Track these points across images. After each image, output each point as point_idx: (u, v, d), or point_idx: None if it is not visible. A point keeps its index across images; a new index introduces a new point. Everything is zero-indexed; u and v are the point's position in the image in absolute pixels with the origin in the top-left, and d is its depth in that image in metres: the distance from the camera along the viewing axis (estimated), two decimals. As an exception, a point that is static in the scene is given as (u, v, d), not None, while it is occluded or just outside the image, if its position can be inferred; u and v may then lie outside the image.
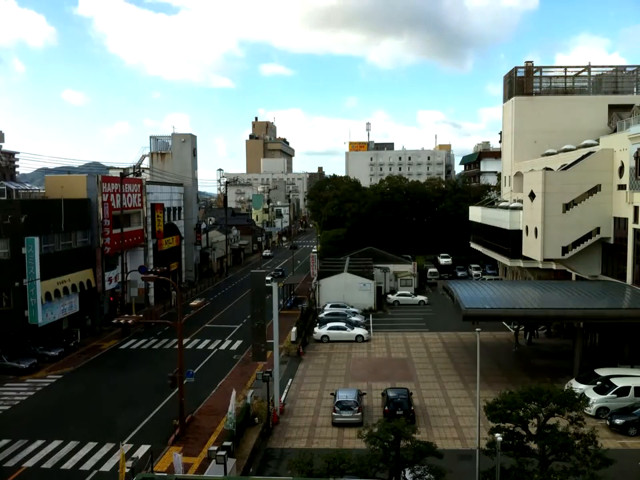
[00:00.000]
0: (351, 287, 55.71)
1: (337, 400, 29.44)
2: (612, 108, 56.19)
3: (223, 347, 44.49)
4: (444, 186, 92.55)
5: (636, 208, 36.86)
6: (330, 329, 45.66)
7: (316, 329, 46.24)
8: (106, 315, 49.88)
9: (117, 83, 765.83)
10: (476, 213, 62.37)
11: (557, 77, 59.66)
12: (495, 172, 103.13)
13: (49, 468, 24.95)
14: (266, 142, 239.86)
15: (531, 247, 44.92)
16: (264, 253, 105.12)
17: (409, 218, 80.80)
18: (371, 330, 48.20)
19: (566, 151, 49.60)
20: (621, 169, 39.32)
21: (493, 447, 18.81)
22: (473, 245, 65.10)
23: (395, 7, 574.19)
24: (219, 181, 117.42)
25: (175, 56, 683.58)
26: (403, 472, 19.45)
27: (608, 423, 28.16)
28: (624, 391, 29.56)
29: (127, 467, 19.61)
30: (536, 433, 19.56)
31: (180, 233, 70.18)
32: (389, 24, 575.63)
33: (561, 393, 19.95)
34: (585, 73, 59.78)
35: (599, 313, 34.03)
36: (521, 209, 48.84)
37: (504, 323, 48.25)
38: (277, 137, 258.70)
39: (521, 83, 58.95)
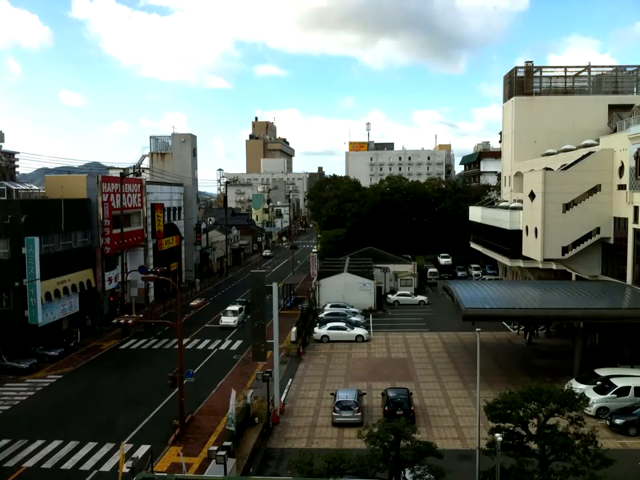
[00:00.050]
0: (351, 287, 55.72)
1: (337, 400, 29.44)
2: (612, 108, 56.20)
3: (223, 346, 44.49)
4: (444, 186, 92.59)
5: (636, 208, 36.87)
6: (330, 328, 45.66)
7: (316, 329, 46.24)
8: (106, 315, 49.88)
9: (114, 83, 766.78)
10: (476, 213, 62.39)
11: (557, 77, 59.68)
12: (495, 172, 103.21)
13: (49, 468, 24.95)
14: (266, 142, 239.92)
15: (531, 247, 44.93)
16: (264, 253, 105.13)
17: (409, 218, 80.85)
18: (371, 330, 48.21)
19: (566, 150, 49.60)
20: (621, 169, 39.32)
21: (493, 447, 18.81)
22: (473, 245, 65.10)
23: (389, 8, 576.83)
24: (219, 180, 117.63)
25: (171, 57, 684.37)
26: (402, 472, 19.45)
27: (608, 422, 28.17)
28: (624, 391, 29.56)
29: (127, 467, 19.60)
30: (536, 433, 19.56)
31: (180, 233, 70.20)
32: (383, 25, 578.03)
33: (561, 393, 19.94)
34: (585, 73, 59.82)
35: (599, 312, 34.04)
36: (520, 208, 48.84)
37: (504, 322, 48.29)
38: (277, 137, 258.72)
39: (521, 83, 58.96)
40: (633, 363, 33.67)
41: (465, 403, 31.83)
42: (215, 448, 21.74)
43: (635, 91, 58.07)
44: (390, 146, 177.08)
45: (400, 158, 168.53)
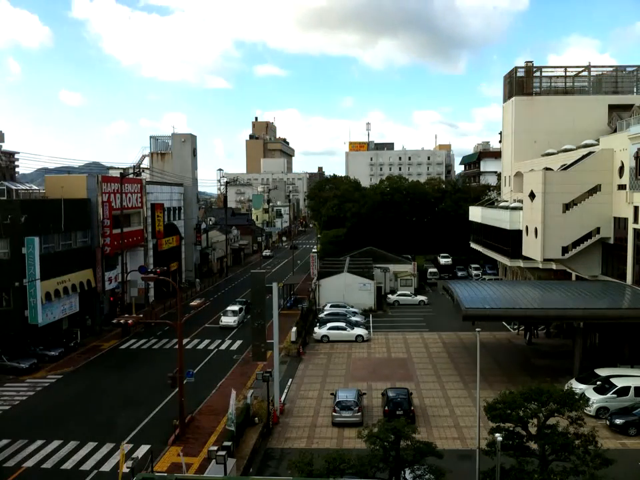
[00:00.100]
0: (351, 287, 55.73)
1: (337, 400, 29.44)
2: (612, 108, 56.20)
3: (223, 346, 44.49)
4: (444, 186, 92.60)
5: (636, 208, 36.87)
6: (330, 328, 45.66)
7: (316, 329, 46.24)
8: (106, 315, 49.88)
9: (114, 83, 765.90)
10: (476, 213, 62.39)
11: (557, 77, 59.68)
12: (495, 172, 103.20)
13: (49, 468, 24.96)
14: (266, 142, 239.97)
15: (531, 247, 44.93)
16: (264, 253, 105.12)
17: (409, 218, 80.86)
18: (371, 330, 48.21)
19: (566, 150, 49.60)
20: (621, 169, 39.33)
21: (493, 447, 18.80)
22: (473, 245, 65.10)
23: (389, 8, 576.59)
24: (219, 181, 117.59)
25: (171, 57, 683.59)
26: (402, 472, 19.46)
27: (608, 422, 28.17)
28: (624, 391, 29.57)
29: (127, 467, 19.60)
30: (536, 433, 19.56)
31: (180, 233, 70.20)
32: (383, 25, 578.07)
33: (561, 393, 19.94)
34: (585, 73, 59.81)
35: (599, 312, 34.04)
36: (520, 208, 48.84)
37: (504, 322, 48.29)
38: (277, 137, 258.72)
39: (521, 83, 58.96)
40: (633, 363, 33.66)
41: (465, 403, 31.83)
42: (215, 448, 21.75)
43: (635, 91, 58.06)
44: (390, 146, 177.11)
45: (400, 158, 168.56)
